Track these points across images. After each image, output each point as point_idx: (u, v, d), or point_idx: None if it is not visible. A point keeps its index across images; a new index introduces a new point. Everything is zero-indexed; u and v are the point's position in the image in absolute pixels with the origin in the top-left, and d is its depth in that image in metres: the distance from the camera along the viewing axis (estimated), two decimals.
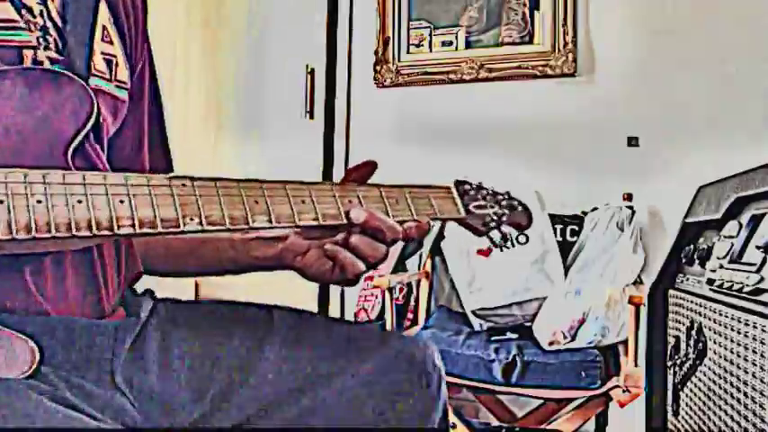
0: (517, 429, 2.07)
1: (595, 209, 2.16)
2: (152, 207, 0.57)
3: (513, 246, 0.89)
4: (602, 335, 1.75)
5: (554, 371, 1.70)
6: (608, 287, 1.84)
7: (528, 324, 1.98)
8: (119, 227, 0.55)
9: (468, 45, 2.48)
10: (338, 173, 2.65)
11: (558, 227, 2.19)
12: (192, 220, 0.59)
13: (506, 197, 0.90)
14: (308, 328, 0.77)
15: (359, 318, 2.32)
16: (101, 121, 0.68)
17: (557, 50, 2.35)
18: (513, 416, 2.18)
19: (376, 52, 2.58)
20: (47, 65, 0.64)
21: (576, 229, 2.19)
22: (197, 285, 2.70)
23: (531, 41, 2.41)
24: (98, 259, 0.66)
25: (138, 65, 0.80)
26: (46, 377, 0.57)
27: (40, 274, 0.59)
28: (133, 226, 0.55)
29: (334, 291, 2.64)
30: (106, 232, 0.54)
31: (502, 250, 0.88)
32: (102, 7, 0.73)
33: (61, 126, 0.57)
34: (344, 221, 0.71)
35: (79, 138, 0.58)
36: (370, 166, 0.77)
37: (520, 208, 0.91)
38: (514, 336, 1.92)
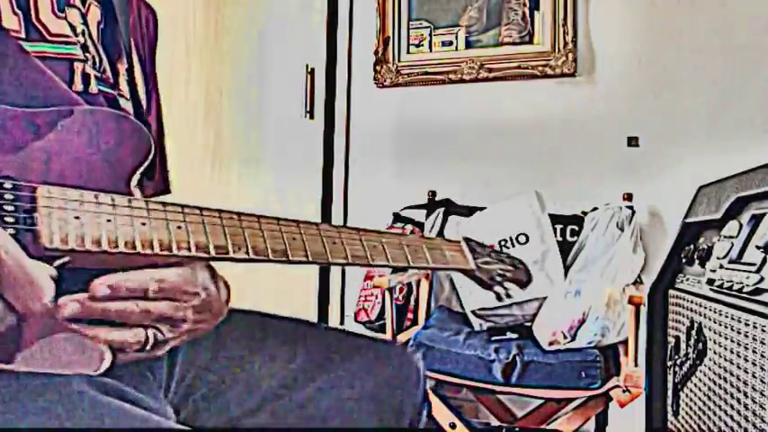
0: (517, 429, 2.07)
1: (595, 209, 2.16)
2: (204, 234, 0.63)
3: (509, 297, 0.98)
4: (602, 335, 1.75)
5: (554, 371, 1.69)
6: (608, 287, 1.84)
7: (528, 324, 1.98)
8: (178, 249, 0.60)
9: (468, 45, 2.48)
10: (338, 173, 2.65)
11: (558, 227, 2.19)
12: (239, 249, 0.64)
13: (507, 257, 0.99)
14: (300, 333, 0.82)
15: (359, 318, 2.32)
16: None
17: (557, 50, 2.35)
18: (513, 416, 2.18)
19: (376, 52, 2.58)
20: (93, 80, 0.70)
21: (576, 229, 2.19)
22: None
23: (531, 41, 2.41)
24: None
25: (150, 91, 0.85)
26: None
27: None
28: (189, 249, 0.61)
29: (335, 291, 2.64)
30: (166, 252, 0.59)
31: (501, 300, 0.97)
32: (125, 34, 0.79)
33: (124, 160, 0.64)
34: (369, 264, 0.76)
35: (140, 170, 0.65)
36: None
37: (520, 266, 1.00)
38: (514, 336, 1.92)
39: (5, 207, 0.53)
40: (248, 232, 0.66)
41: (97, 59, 0.72)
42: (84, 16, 0.73)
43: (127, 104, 0.76)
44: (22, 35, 0.65)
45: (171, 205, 0.62)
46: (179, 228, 0.61)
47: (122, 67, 0.76)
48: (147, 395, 0.64)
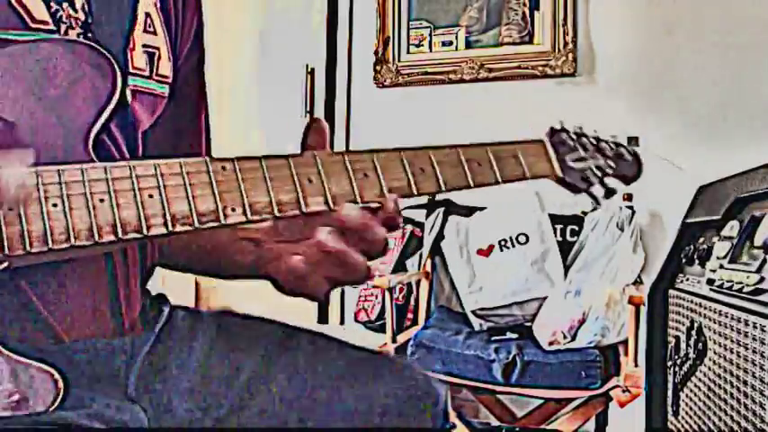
0: (517, 429, 2.07)
1: (595, 209, 2.16)
2: (187, 200, 0.49)
3: (610, 197, 0.77)
4: (602, 335, 1.75)
5: (554, 371, 1.69)
6: (608, 287, 1.84)
7: (528, 324, 1.98)
8: (149, 228, 0.47)
9: (468, 45, 2.48)
10: None
11: (558, 227, 2.19)
12: (233, 210, 0.50)
13: (612, 145, 0.80)
14: (319, 350, 0.74)
15: (359, 318, 2.32)
16: (131, 116, 0.63)
17: (557, 50, 2.35)
18: (513, 416, 2.18)
19: (376, 52, 2.58)
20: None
21: (576, 229, 2.19)
22: (197, 289, 2.70)
23: (531, 41, 2.41)
24: (120, 267, 0.61)
25: (183, 52, 0.73)
26: (74, 400, 0.53)
27: (49, 291, 0.53)
28: (165, 225, 0.48)
29: (335, 291, 2.63)
30: (135, 235, 0.47)
31: (599, 205, 0.77)
32: None
33: (79, 108, 0.49)
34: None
35: (100, 122, 0.50)
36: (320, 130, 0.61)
37: (630, 157, 0.80)
38: (514, 336, 1.92)
39: None
40: (248, 184, 0.51)
41: (95, 33, 0.60)
42: None
43: (148, 84, 0.65)
44: (2, 23, 0.52)
45: (141, 165, 0.48)
46: (150, 197, 0.47)
47: (139, 39, 0.64)
48: (113, 399, 0.59)
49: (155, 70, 0.65)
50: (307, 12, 2.72)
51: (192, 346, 0.70)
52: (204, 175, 0.50)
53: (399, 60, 2.56)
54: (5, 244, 0.43)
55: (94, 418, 0.56)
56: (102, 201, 0.46)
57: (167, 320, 0.71)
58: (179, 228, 0.48)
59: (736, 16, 2.18)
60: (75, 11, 0.57)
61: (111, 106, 0.50)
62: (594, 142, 0.78)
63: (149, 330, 0.68)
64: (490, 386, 1.75)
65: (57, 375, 0.46)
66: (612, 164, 0.77)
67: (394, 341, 1.89)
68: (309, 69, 2.68)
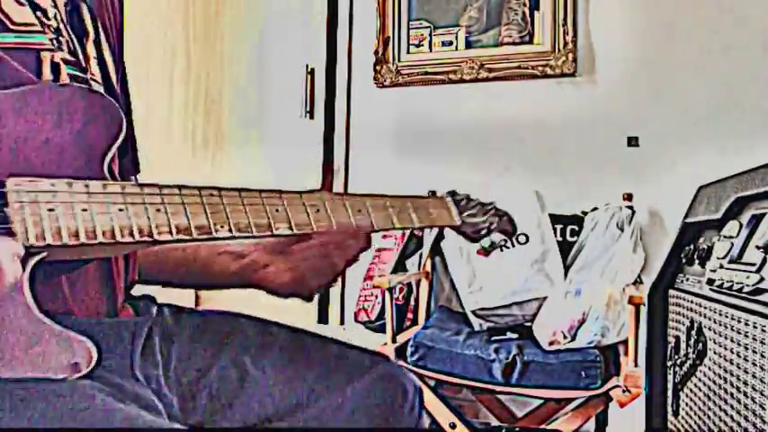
0: (517, 429, 2.07)
1: (595, 209, 2.16)
2: (186, 216, 0.61)
3: (502, 249, 0.97)
4: (602, 335, 1.75)
5: (554, 371, 1.69)
6: (608, 287, 1.84)
7: (528, 324, 1.98)
8: (159, 234, 0.58)
9: (469, 45, 2.48)
10: (338, 173, 2.65)
11: (558, 227, 2.19)
12: (222, 227, 0.63)
13: (493, 207, 0.99)
14: (303, 346, 0.81)
15: (359, 318, 2.32)
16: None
17: (557, 50, 2.35)
18: (513, 416, 2.18)
19: (376, 52, 2.58)
20: (63, 68, 0.66)
21: (576, 229, 2.19)
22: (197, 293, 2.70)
23: (531, 41, 2.41)
24: (113, 263, 0.70)
25: (119, 70, 0.81)
26: (98, 376, 0.59)
27: (70, 279, 0.63)
28: (170, 233, 0.59)
29: (335, 291, 2.64)
30: (146, 238, 0.57)
31: (488, 255, 0.99)
32: (88, 15, 0.75)
33: (96, 139, 0.60)
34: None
35: (113, 150, 0.61)
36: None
37: (505, 217, 0.99)
38: (514, 336, 1.92)
39: None
40: (230, 208, 0.64)
41: (70, 44, 0.69)
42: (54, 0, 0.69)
43: (99, 89, 0.73)
44: None
45: (148, 186, 0.60)
46: (158, 211, 0.59)
47: (92, 51, 0.73)
48: (127, 383, 0.64)
49: (108, 84, 0.75)
50: (307, 12, 2.72)
51: (180, 338, 0.76)
52: (197, 198, 0.63)
53: (399, 60, 2.56)
54: (47, 235, 0.52)
55: (116, 388, 0.61)
56: (120, 210, 0.57)
57: (158, 312, 0.78)
58: (180, 236, 0.60)
59: (736, 16, 2.18)
60: (48, 18, 0.67)
61: (120, 140, 0.62)
62: (480, 204, 0.98)
63: (145, 315, 0.76)
64: (490, 386, 1.75)
65: (90, 345, 0.54)
66: (496, 221, 0.97)
67: (394, 341, 1.89)
68: (309, 69, 2.68)
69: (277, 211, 0.68)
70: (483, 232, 0.95)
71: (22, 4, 0.64)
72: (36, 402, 0.51)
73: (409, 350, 1.83)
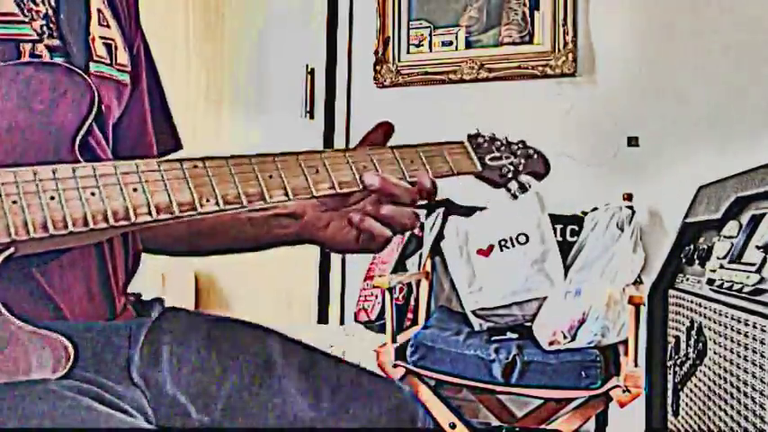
0: (517, 429, 2.07)
1: (595, 209, 2.16)
2: (167, 192, 0.56)
3: (525, 192, 0.88)
4: (602, 335, 1.75)
5: (554, 371, 1.69)
6: (608, 287, 1.84)
7: (528, 324, 1.98)
8: (136, 216, 0.54)
9: (469, 45, 2.48)
10: None
11: (558, 227, 2.19)
12: (208, 201, 0.57)
13: (521, 146, 0.90)
14: (311, 363, 0.76)
15: (359, 318, 2.32)
16: (104, 108, 0.68)
17: (557, 50, 2.35)
18: (513, 416, 2.18)
19: (376, 52, 2.58)
20: (46, 56, 0.63)
21: (576, 229, 2.19)
22: (197, 289, 2.70)
23: (531, 41, 2.41)
24: (109, 257, 0.66)
25: (134, 46, 0.79)
26: (77, 377, 0.56)
27: (54, 277, 0.59)
28: (150, 213, 0.54)
29: (335, 291, 2.64)
30: (123, 222, 0.53)
31: (516, 198, 0.87)
32: None
33: (64, 119, 0.56)
34: (360, 188, 0.69)
35: (84, 129, 0.57)
36: (387, 127, 0.78)
37: (536, 156, 0.90)
38: (514, 336, 1.92)
39: None
40: (216, 179, 0.59)
41: (59, 29, 0.66)
42: None
43: (111, 71, 0.71)
44: None
45: (125, 164, 0.55)
46: (134, 190, 0.54)
47: (96, 31, 0.69)
48: (116, 382, 0.62)
49: (114, 59, 0.71)
50: (307, 12, 2.72)
51: (186, 343, 0.72)
52: (179, 172, 0.57)
53: (399, 60, 2.56)
54: (11, 230, 0.49)
55: (98, 394, 0.58)
56: (93, 194, 0.53)
57: (162, 313, 0.75)
58: (162, 216, 0.55)
59: (736, 16, 2.18)
60: (36, 4, 0.64)
61: (92, 117, 0.57)
62: (506, 143, 0.89)
63: (145, 317, 0.72)
64: (490, 386, 1.75)
65: (67, 343, 0.50)
66: (524, 162, 0.87)
67: (394, 341, 1.89)
68: (309, 69, 2.68)
69: (270, 177, 0.62)
70: (510, 175, 0.86)
71: None
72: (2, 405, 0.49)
73: (409, 350, 1.83)
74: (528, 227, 2.08)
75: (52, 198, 0.51)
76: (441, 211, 2.32)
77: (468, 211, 2.27)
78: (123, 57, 0.74)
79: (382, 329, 2.08)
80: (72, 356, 0.51)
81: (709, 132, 2.19)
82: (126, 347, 0.66)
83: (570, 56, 2.33)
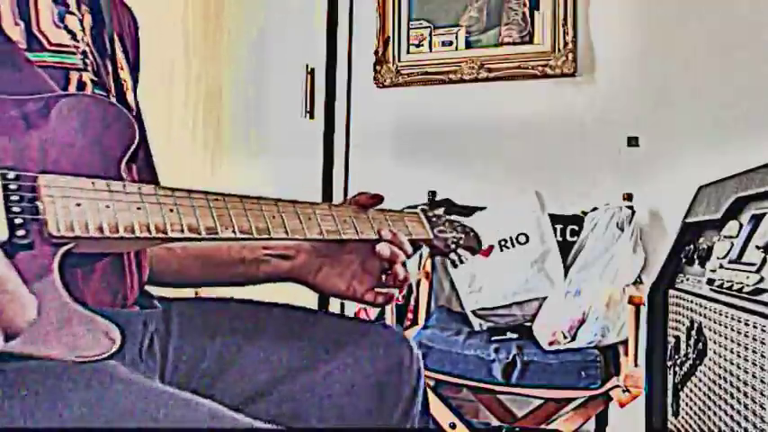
0: (517, 429, 2.07)
1: (595, 209, 2.16)
2: (195, 217, 0.66)
3: (462, 263, 1.05)
4: (602, 335, 1.75)
5: (554, 371, 1.70)
6: (608, 287, 1.84)
7: (528, 324, 1.98)
8: (172, 230, 0.64)
9: (468, 45, 2.48)
10: (338, 173, 2.65)
11: (558, 227, 2.19)
12: (227, 228, 0.68)
13: (459, 224, 1.04)
14: (300, 320, 0.88)
15: (359, 315, 2.32)
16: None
17: (557, 50, 2.35)
18: (513, 416, 2.18)
19: (376, 52, 2.58)
20: (89, 86, 0.72)
21: (576, 229, 2.19)
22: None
23: (531, 41, 2.41)
24: (125, 259, 0.75)
25: (135, 91, 0.86)
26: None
27: (88, 271, 0.68)
28: (182, 231, 0.65)
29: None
30: (162, 235, 0.63)
31: (456, 267, 1.04)
32: (115, 38, 0.81)
33: (112, 145, 0.66)
34: (339, 238, 0.81)
35: (128, 155, 0.67)
36: (378, 199, 0.88)
37: (471, 233, 1.05)
38: (514, 336, 1.92)
39: (11, 197, 0.55)
40: (233, 212, 0.70)
41: (95, 65, 0.75)
42: (81, 22, 0.75)
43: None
44: (24, 45, 0.67)
45: (162, 189, 0.65)
46: (171, 211, 0.64)
47: (109, 68, 0.78)
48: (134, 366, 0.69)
49: (124, 101, 0.79)
50: (307, 12, 2.72)
51: (173, 329, 0.81)
52: (205, 202, 0.69)
53: (399, 60, 2.56)
54: (76, 228, 0.57)
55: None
56: (138, 208, 0.62)
57: (157, 305, 0.82)
58: (191, 234, 0.65)
59: (736, 16, 2.18)
60: (77, 41, 0.73)
61: (134, 147, 0.67)
62: (450, 221, 1.02)
63: (152, 308, 0.79)
64: (490, 386, 1.75)
65: (115, 328, 0.58)
66: (462, 237, 1.02)
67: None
68: (309, 69, 2.68)
69: (273, 217, 0.74)
70: (452, 247, 1.00)
71: (58, 27, 0.71)
72: (63, 383, 0.55)
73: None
74: (528, 227, 2.08)
75: (107, 206, 0.60)
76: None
77: (469, 211, 2.28)
78: (131, 97, 0.82)
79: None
80: (118, 342, 0.58)
81: (710, 132, 2.19)
82: (140, 335, 0.74)
83: (570, 56, 2.33)
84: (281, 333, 0.84)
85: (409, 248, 0.86)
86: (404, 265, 0.86)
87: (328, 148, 2.67)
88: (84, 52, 0.73)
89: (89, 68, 0.73)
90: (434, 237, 0.96)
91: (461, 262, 1.03)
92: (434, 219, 0.99)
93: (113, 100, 0.76)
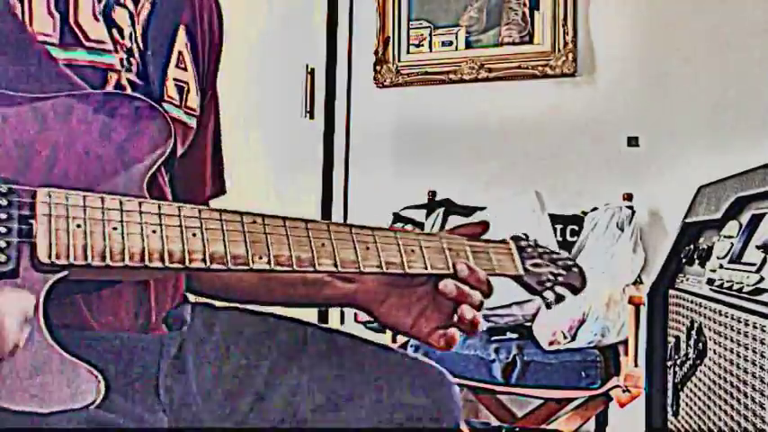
0: (517, 429, 2.07)
1: (595, 209, 2.16)
2: (223, 243, 0.56)
3: (558, 303, 0.87)
4: (602, 335, 1.75)
5: (554, 371, 1.70)
6: (608, 287, 1.84)
7: (528, 324, 1.98)
8: (191, 261, 0.54)
9: (468, 45, 2.48)
10: (338, 173, 2.65)
11: (558, 227, 2.19)
12: (260, 258, 0.58)
13: (562, 257, 0.89)
14: (337, 347, 0.78)
15: (359, 318, 2.31)
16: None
17: (557, 50, 2.35)
18: (513, 416, 2.18)
19: (376, 52, 2.58)
20: (128, 89, 0.64)
21: (576, 229, 2.19)
22: None
23: (531, 41, 2.41)
24: (153, 292, 0.67)
25: (207, 93, 0.80)
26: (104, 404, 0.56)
27: (93, 303, 0.60)
28: (204, 261, 0.54)
29: None
30: (177, 265, 0.53)
31: (550, 308, 0.85)
32: (181, 33, 0.73)
33: (139, 154, 0.57)
34: (402, 272, 0.69)
35: (156, 166, 0.58)
36: (484, 227, 0.79)
37: (575, 269, 0.88)
38: (514, 336, 1.92)
39: None
40: (273, 238, 0.59)
41: (141, 65, 0.67)
42: (132, 17, 0.67)
43: (179, 113, 0.71)
44: (56, 40, 0.59)
45: (187, 208, 0.56)
46: (194, 235, 0.55)
47: (172, 73, 0.71)
48: (142, 403, 0.62)
49: (184, 102, 0.73)
50: (307, 12, 2.72)
51: (207, 345, 0.73)
52: (238, 225, 0.58)
53: (399, 60, 2.56)
54: (70, 254, 0.49)
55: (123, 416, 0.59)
56: (153, 232, 0.53)
57: (191, 321, 0.74)
58: (215, 266, 0.55)
59: (736, 16, 2.18)
60: (123, 38, 0.66)
61: (166, 156, 0.59)
62: (548, 252, 0.88)
63: (176, 330, 0.71)
64: (490, 386, 1.75)
65: (100, 377, 0.49)
66: (564, 273, 0.86)
67: (394, 341, 1.89)
68: (309, 69, 2.68)
69: (322, 245, 0.62)
70: (548, 284, 0.84)
71: (98, 20, 0.63)
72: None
73: (409, 350, 1.83)
74: (528, 227, 2.08)
75: (115, 229, 0.51)
76: (441, 211, 2.32)
77: (469, 211, 2.28)
78: (194, 101, 0.74)
79: (382, 329, 2.08)
80: (102, 390, 0.49)
81: (710, 132, 2.19)
82: (155, 363, 0.66)
83: (570, 56, 2.33)
84: (324, 359, 0.75)
85: (487, 288, 0.72)
86: (480, 305, 0.71)
87: (328, 148, 2.67)
88: (129, 50, 0.66)
89: (133, 68, 0.66)
90: (526, 272, 0.81)
91: (558, 302, 0.85)
92: (529, 249, 0.85)
93: (173, 109, 0.70)
